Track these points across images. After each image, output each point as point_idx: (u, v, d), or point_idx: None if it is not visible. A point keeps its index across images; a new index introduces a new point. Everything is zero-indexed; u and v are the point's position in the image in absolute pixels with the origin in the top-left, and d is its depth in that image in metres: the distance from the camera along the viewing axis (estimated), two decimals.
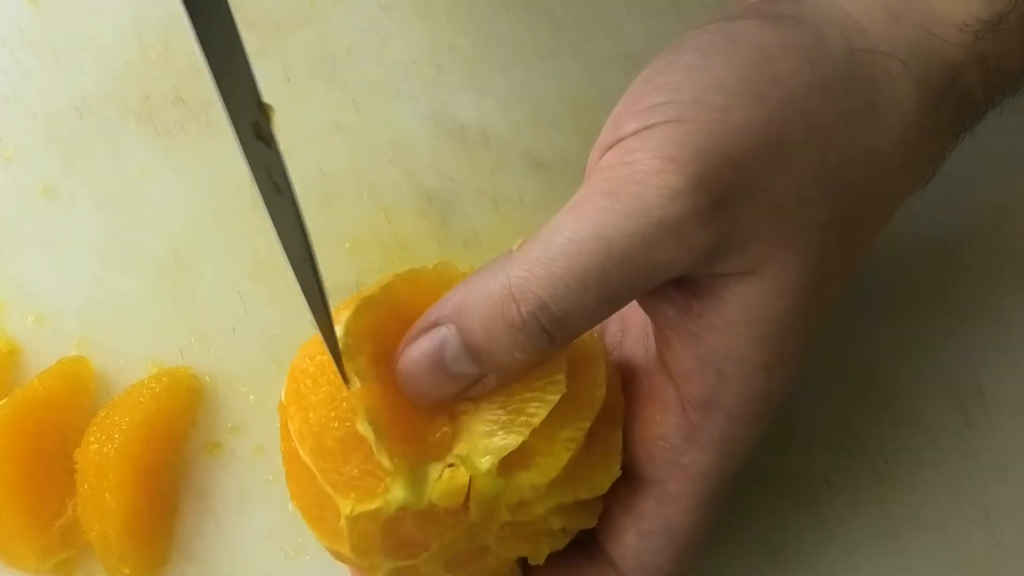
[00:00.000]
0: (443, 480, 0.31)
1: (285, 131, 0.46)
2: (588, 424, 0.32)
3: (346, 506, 0.30)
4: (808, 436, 0.42)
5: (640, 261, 0.30)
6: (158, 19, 0.47)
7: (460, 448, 0.31)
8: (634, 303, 0.33)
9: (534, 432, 0.31)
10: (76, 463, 0.40)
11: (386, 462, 0.30)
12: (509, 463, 0.31)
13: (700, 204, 0.29)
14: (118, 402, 0.41)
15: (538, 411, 0.31)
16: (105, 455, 0.39)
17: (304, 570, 0.40)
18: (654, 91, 0.31)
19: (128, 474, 0.39)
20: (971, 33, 0.32)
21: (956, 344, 0.43)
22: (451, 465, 0.31)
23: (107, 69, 0.47)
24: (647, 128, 0.30)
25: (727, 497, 0.34)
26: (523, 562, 0.36)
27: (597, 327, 0.33)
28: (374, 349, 0.32)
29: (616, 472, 0.33)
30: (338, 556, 0.33)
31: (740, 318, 0.31)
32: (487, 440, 0.31)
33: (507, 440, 0.31)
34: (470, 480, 0.31)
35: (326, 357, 0.31)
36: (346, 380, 0.31)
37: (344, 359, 0.31)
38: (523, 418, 0.31)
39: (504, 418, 0.31)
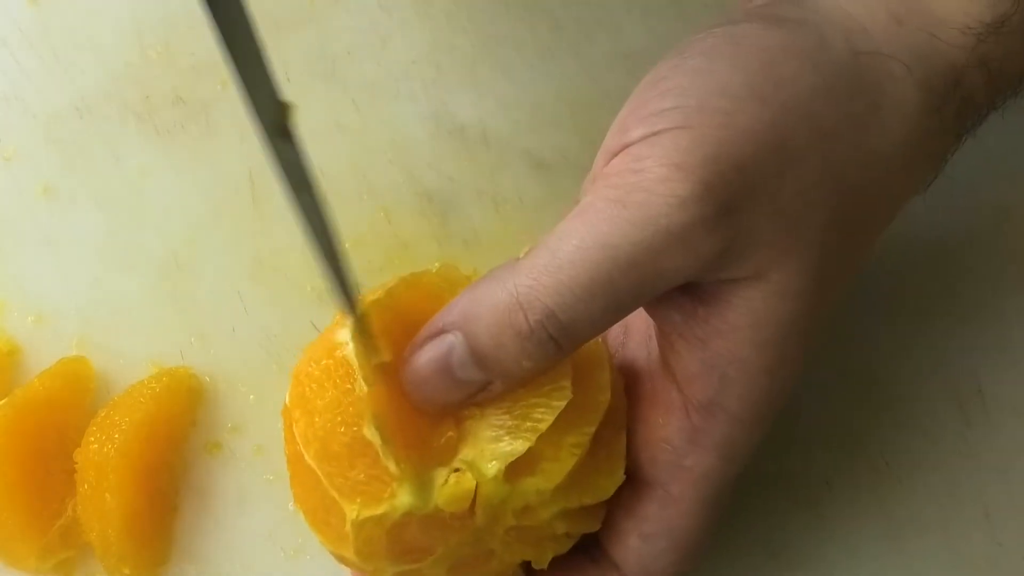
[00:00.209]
0: (449, 485, 0.31)
1: None
2: (593, 429, 0.33)
3: (352, 511, 0.30)
4: (809, 437, 0.42)
5: (647, 269, 0.30)
6: (158, 19, 0.47)
7: (466, 453, 0.31)
8: None
9: (540, 438, 0.31)
10: (76, 463, 0.40)
11: (392, 467, 0.30)
12: (515, 468, 0.31)
13: (707, 212, 0.29)
14: (118, 402, 0.41)
15: (544, 417, 0.31)
16: (105, 455, 0.39)
17: (304, 570, 0.40)
18: (659, 96, 0.31)
19: (128, 474, 0.39)
20: (973, 36, 0.32)
21: (957, 345, 0.43)
22: (457, 470, 0.31)
23: (107, 69, 0.47)
24: (654, 134, 0.30)
25: (728, 499, 0.34)
26: (526, 566, 0.36)
27: None
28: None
29: (620, 477, 0.33)
30: (342, 560, 0.33)
31: (745, 322, 0.31)
32: (494, 445, 0.31)
33: (513, 446, 0.31)
34: (476, 485, 0.31)
35: (331, 361, 0.31)
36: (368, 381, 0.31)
37: (356, 361, 0.31)
38: (529, 424, 0.31)
39: (510, 423, 0.31)
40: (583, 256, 0.29)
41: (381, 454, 0.30)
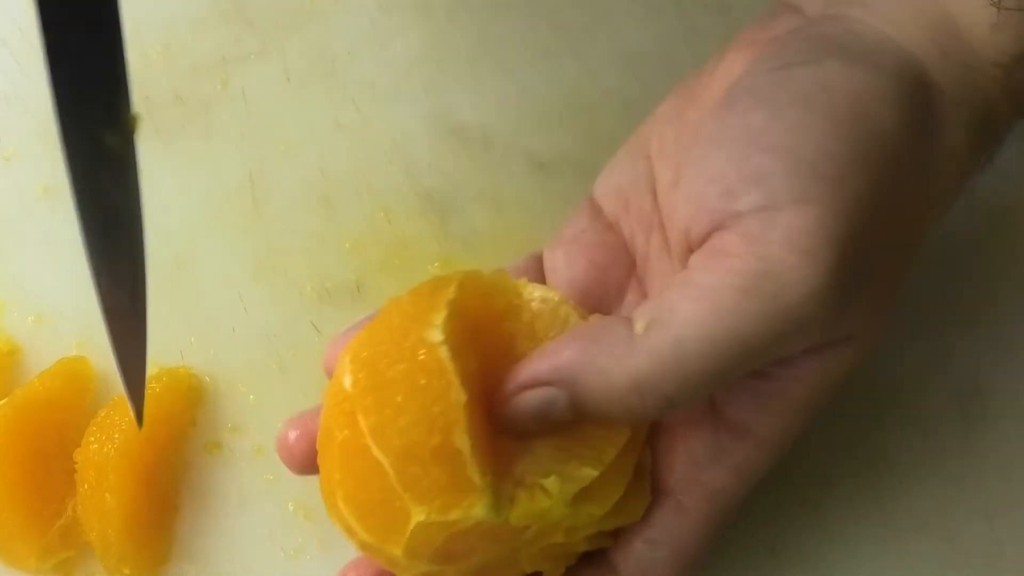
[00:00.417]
0: (523, 502, 0.31)
1: (285, 131, 0.46)
2: (636, 459, 0.33)
3: (421, 512, 0.30)
4: (809, 436, 0.41)
5: (769, 354, 0.30)
6: (158, 19, 0.47)
7: (528, 469, 0.32)
8: None
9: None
10: (76, 463, 0.40)
11: (477, 478, 0.30)
12: (579, 493, 0.32)
13: (836, 297, 0.29)
14: (118, 402, 0.41)
15: (607, 449, 0.32)
16: (105, 455, 0.39)
17: (304, 570, 0.40)
18: (762, 153, 0.30)
19: (128, 474, 0.39)
20: (1003, 69, 0.32)
21: (957, 345, 0.43)
22: (523, 486, 0.31)
23: None
24: (770, 208, 0.29)
25: (734, 516, 0.34)
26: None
27: None
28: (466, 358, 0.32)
29: (647, 498, 0.34)
30: (366, 549, 0.32)
31: (817, 379, 0.32)
32: (565, 468, 0.32)
33: (583, 471, 0.32)
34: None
35: (422, 359, 0.31)
36: None
37: (451, 364, 0.31)
38: (594, 452, 0.32)
39: (575, 450, 0.32)
40: (713, 350, 0.29)
41: (468, 464, 0.30)
